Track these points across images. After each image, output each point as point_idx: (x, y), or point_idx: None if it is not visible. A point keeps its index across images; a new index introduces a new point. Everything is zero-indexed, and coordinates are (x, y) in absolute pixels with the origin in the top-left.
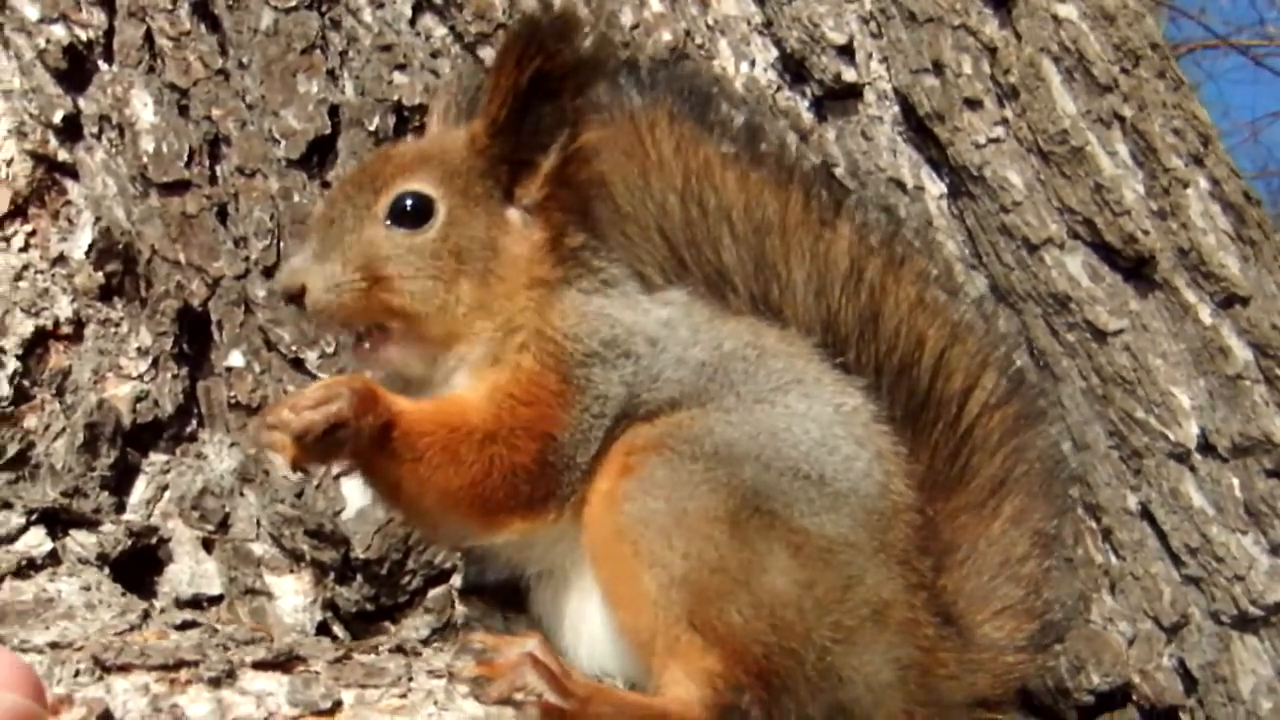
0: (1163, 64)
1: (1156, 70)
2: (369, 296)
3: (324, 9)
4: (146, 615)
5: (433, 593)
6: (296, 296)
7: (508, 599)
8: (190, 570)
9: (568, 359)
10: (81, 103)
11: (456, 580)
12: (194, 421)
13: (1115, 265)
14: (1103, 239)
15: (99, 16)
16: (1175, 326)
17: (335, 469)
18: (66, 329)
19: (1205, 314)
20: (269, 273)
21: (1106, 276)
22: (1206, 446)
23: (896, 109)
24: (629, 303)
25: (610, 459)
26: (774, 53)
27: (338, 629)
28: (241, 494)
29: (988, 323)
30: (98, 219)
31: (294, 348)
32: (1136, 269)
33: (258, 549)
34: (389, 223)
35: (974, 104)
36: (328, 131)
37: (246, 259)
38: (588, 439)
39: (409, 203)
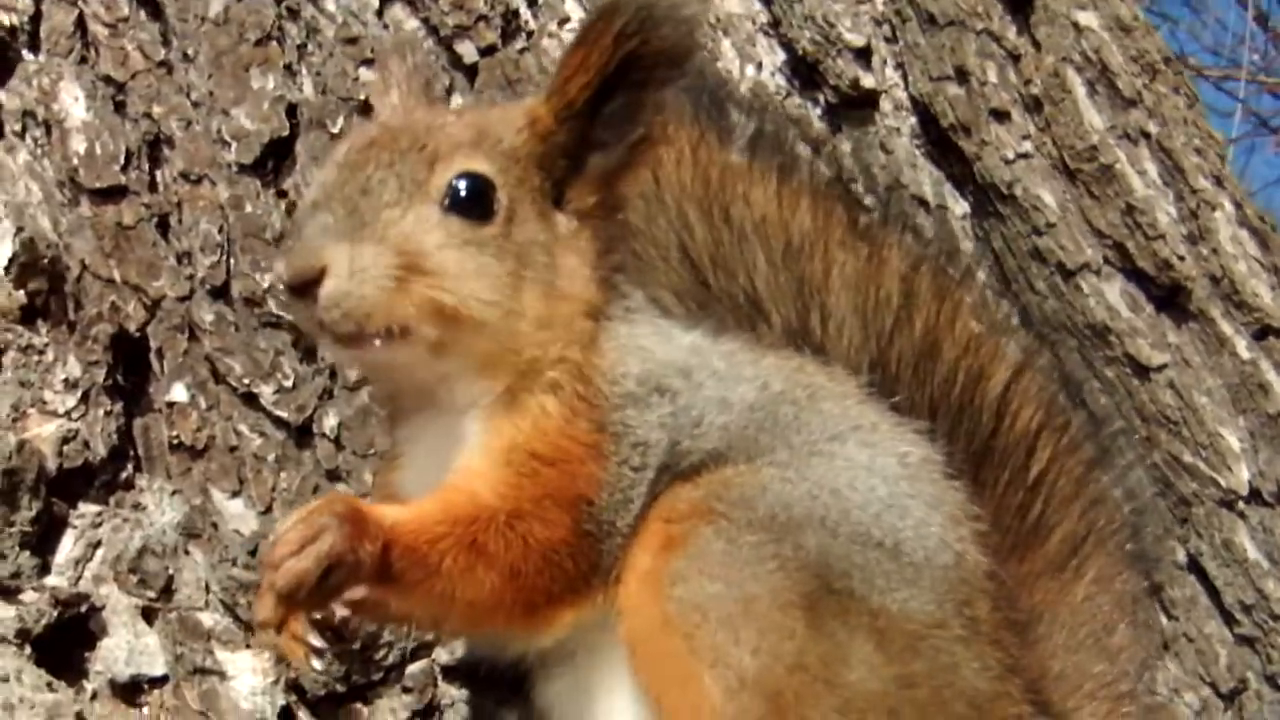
0: (1176, 79)
1: (1171, 85)
2: (405, 293)
3: None
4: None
5: (412, 668)
6: (310, 282)
7: (503, 681)
8: (128, 646)
9: (602, 403)
10: (2, 96)
11: (440, 654)
12: (130, 466)
13: (1149, 294)
14: (1135, 265)
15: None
16: (1212, 360)
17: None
18: None
19: (1242, 347)
20: (217, 293)
21: (1145, 306)
22: (1254, 492)
23: (914, 120)
24: (654, 328)
25: (649, 527)
26: (782, 55)
27: (303, 715)
28: (187, 552)
29: (1054, 358)
30: (19, 229)
31: (246, 380)
32: (1171, 298)
33: (207, 619)
34: (446, 204)
35: (1001, 115)
36: (285, 133)
37: (191, 278)
38: (629, 499)
39: (470, 185)
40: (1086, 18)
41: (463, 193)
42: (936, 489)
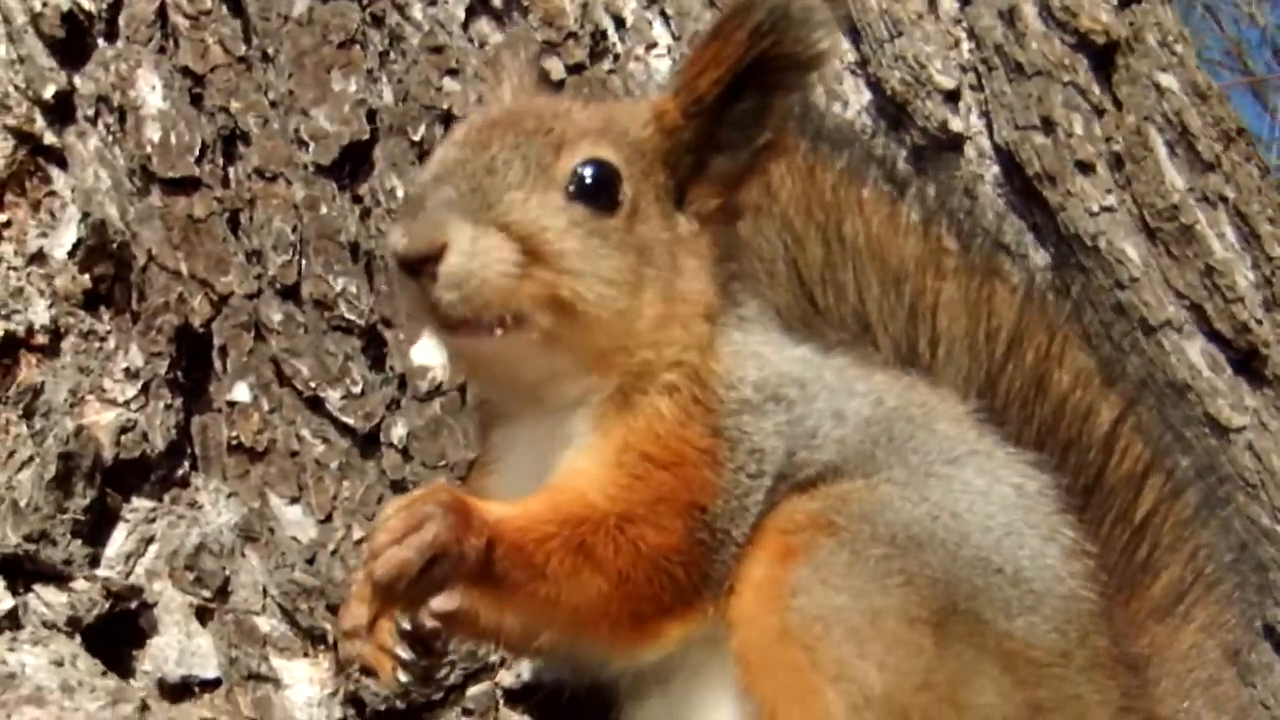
0: (1248, 149)
1: (1244, 154)
2: (524, 280)
3: (365, 1)
4: (145, 708)
5: (474, 689)
6: (429, 258)
7: (579, 709)
8: (179, 645)
9: (718, 407)
10: (78, 80)
11: (503, 677)
12: (186, 464)
13: (1228, 355)
14: (1212, 326)
15: None
16: None
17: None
18: (41, 338)
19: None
20: (287, 293)
21: (1225, 368)
22: None
23: (997, 168)
24: (768, 337)
25: (763, 538)
26: (869, 95)
27: None
28: (244, 555)
29: (1159, 400)
30: (86, 214)
31: (313, 384)
32: (1248, 361)
33: (264, 624)
34: (571, 190)
35: (1086, 168)
36: (365, 137)
37: (260, 276)
38: (744, 507)
39: (597, 172)
40: (1168, 80)
41: (589, 180)
42: (1051, 522)
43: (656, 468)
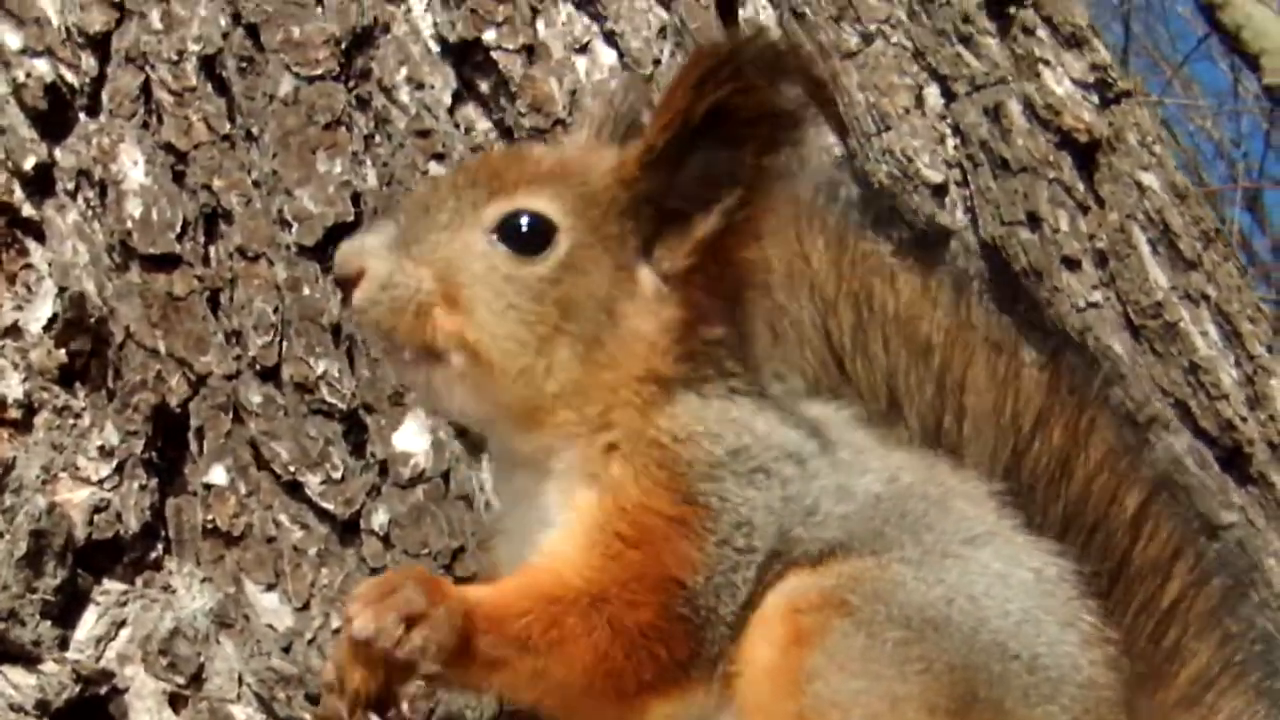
0: (1226, 249)
1: (1223, 254)
2: (432, 314)
3: (352, 83)
4: None
5: None
6: (348, 281)
7: None
8: None
9: (685, 470)
10: (58, 153)
11: None
12: (160, 546)
13: (1214, 453)
14: (1197, 424)
15: (89, 61)
16: (1274, 524)
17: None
18: (14, 413)
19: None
20: (267, 375)
21: (1212, 465)
22: None
23: (981, 263)
24: (762, 411)
25: (772, 618)
26: (856, 189)
27: None
28: (218, 642)
29: (1184, 483)
30: (63, 289)
31: (292, 468)
32: (1232, 458)
33: (239, 713)
34: (494, 235)
35: (1073, 264)
36: (349, 219)
37: (239, 357)
38: (731, 583)
39: (526, 220)
40: (1149, 179)
41: (515, 226)
42: (1070, 608)
43: (628, 546)
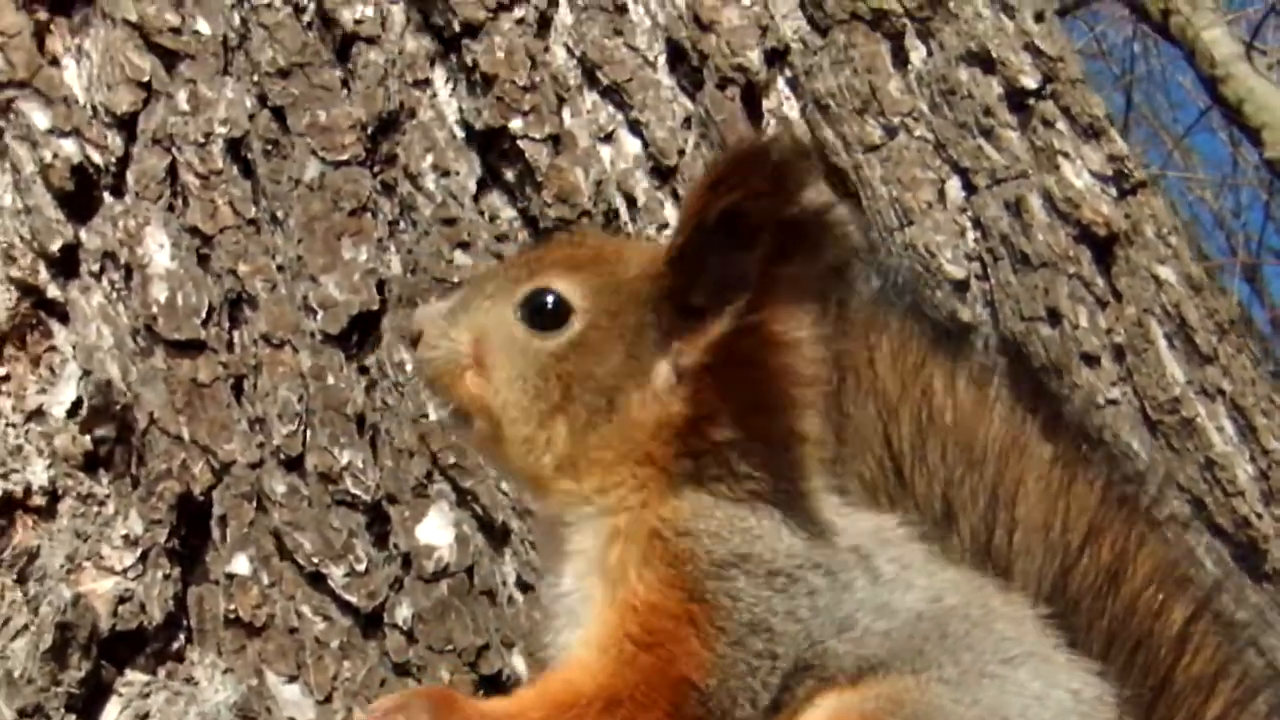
0: (1240, 340)
1: (1237, 345)
2: (465, 374)
3: (377, 169)
4: None
5: None
6: (412, 339)
7: None
8: None
9: (689, 567)
10: (84, 235)
11: None
12: (182, 636)
13: (1229, 550)
14: (1213, 520)
15: (116, 141)
16: None
17: None
18: (39, 499)
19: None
20: (291, 464)
21: (1229, 562)
22: None
23: (1003, 361)
24: (789, 520)
25: None
26: (877, 282)
27: None
28: None
29: (1234, 599)
30: (87, 372)
31: (315, 559)
32: (1247, 556)
33: None
34: (519, 309)
35: (1092, 360)
36: (374, 307)
37: (263, 445)
38: (749, 686)
39: (547, 300)
40: (1165, 272)
41: (536, 303)
42: None
43: (640, 649)
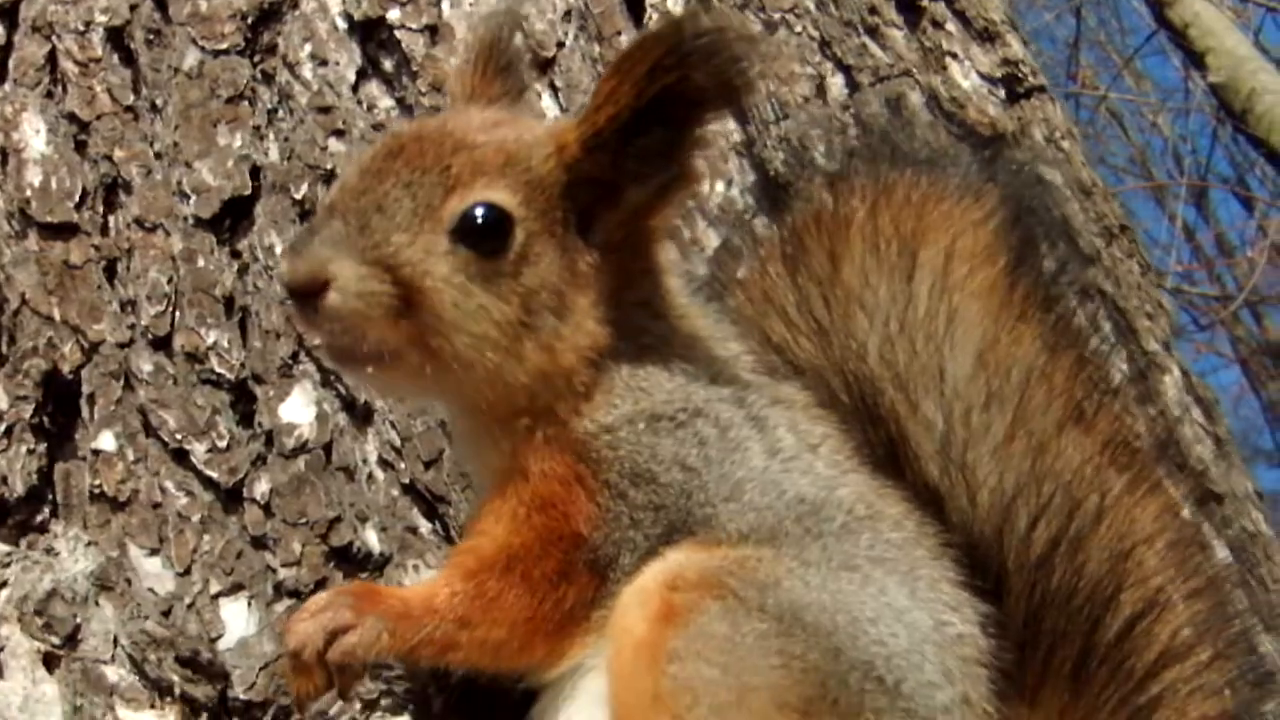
0: (1131, 245)
1: (1126, 251)
2: (398, 318)
3: (257, 58)
4: None
5: None
6: (312, 291)
7: None
8: (24, 692)
9: (579, 433)
10: None
11: None
12: (46, 510)
13: None
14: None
15: None
16: None
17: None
18: None
19: (1185, 512)
20: (158, 344)
21: None
22: None
23: None
24: (685, 367)
25: (649, 589)
26: (752, 175)
27: None
28: (97, 604)
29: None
30: None
31: (179, 436)
32: None
33: (112, 674)
34: (454, 235)
35: None
36: (246, 192)
37: (133, 326)
38: (631, 540)
39: (485, 216)
40: (1052, 174)
41: (477, 223)
42: (963, 669)
43: (534, 511)
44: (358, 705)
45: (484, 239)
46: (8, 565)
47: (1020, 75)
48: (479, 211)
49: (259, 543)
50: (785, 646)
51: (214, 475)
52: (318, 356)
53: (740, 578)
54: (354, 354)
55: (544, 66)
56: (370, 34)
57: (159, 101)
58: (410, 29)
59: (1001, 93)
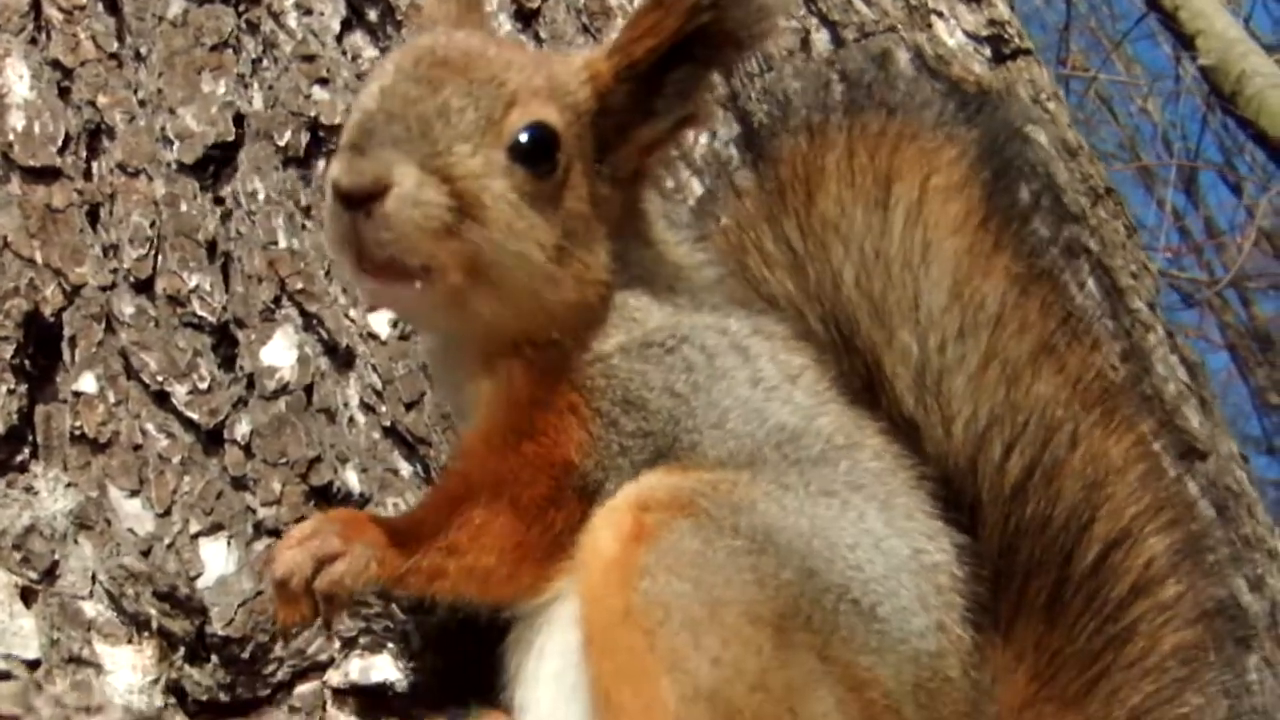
0: (1116, 208)
1: (1112, 212)
2: (451, 233)
3: (241, 7)
4: None
5: (301, 688)
6: (371, 196)
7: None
8: (1, 624)
9: (579, 367)
10: None
11: (331, 676)
12: (26, 450)
13: None
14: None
15: None
16: None
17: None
18: None
19: (1167, 463)
20: (140, 287)
21: None
22: None
23: None
24: (674, 299)
25: (620, 509)
26: (737, 128)
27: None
28: (76, 542)
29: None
30: None
31: (160, 378)
32: None
33: (89, 609)
34: (512, 152)
35: None
36: (230, 139)
37: (115, 270)
38: (620, 467)
39: (540, 135)
40: (1036, 132)
41: (532, 142)
42: (938, 597)
43: (524, 438)
44: (337, 644)
45: (538, 159)
46: None
47: (1006, 36)
48: (534, 131)
49: (239, 483)
50: (758, 564)
51: (195, 417)
52: (300, 301)
53: (712, 499)
54: (394, 268)
55: (528, 18)
56: None
57: (143, 49)
58: None
59: (987, 51)
